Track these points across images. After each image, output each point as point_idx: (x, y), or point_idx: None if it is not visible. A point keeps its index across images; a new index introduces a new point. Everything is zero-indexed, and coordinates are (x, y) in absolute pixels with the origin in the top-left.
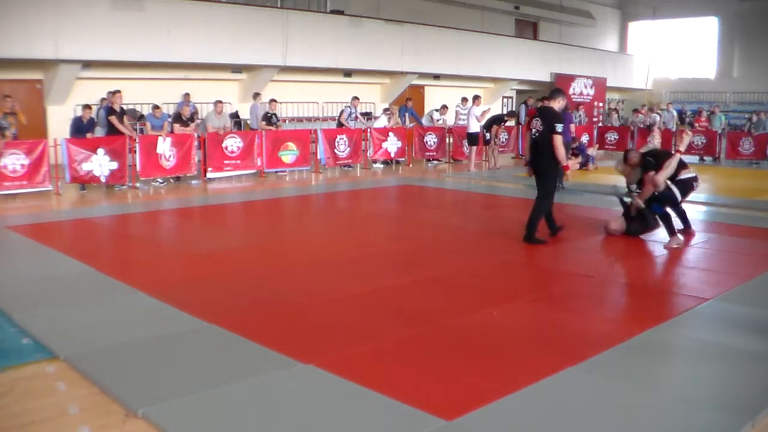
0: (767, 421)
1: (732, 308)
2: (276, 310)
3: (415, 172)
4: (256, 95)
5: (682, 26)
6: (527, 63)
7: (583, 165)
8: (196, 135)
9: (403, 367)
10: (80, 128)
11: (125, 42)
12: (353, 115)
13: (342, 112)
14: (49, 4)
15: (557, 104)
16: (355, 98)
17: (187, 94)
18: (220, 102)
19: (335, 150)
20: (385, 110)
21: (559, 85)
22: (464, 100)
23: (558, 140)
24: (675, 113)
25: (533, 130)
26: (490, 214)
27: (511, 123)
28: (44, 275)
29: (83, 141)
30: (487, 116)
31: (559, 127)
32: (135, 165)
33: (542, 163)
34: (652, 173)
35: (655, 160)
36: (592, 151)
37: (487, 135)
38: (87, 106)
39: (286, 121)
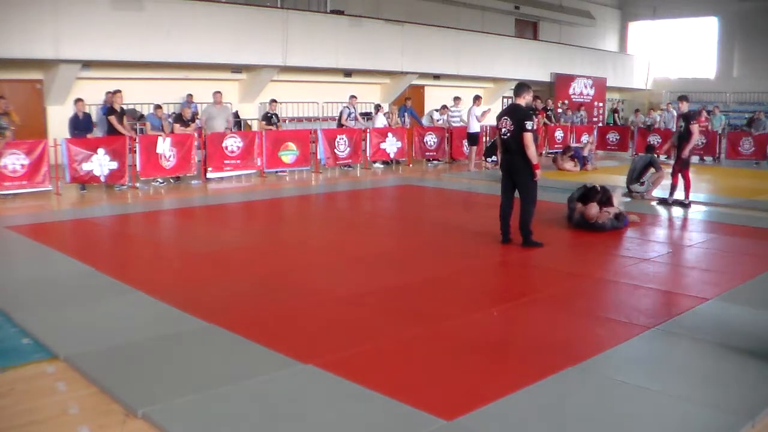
0: (767, 421)
1: (732, 308)
2: (276, 310)
3: (415, 172)
4: (457, 99)
5: (682, 26)
6: (527, 63)
7: (582, 165)
8: (196, 135)
9: (403, 367)
10: (78, 125)
11: (125, 42)
12: (353, 115)
13: (341, 113)
14: (48, 4)
15: (524, 100)
16: (353, 97)
17: (190, 95)
18: (219, 92)
19: (335, 150)
20: (377, 107)
21: (559, 85)
22: (456, 99)
23: (528, 138)
24: (675, 113)
25: (503, 130)
26: (490, 214)
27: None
28: (44, 275)
29: (83, 141)
30: (488, 116)
31: (529, 125)
32: (135, 165)
33: (515, 163)
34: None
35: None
36: (587, 150)
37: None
38: (79, 99)
39: (286, 121)
